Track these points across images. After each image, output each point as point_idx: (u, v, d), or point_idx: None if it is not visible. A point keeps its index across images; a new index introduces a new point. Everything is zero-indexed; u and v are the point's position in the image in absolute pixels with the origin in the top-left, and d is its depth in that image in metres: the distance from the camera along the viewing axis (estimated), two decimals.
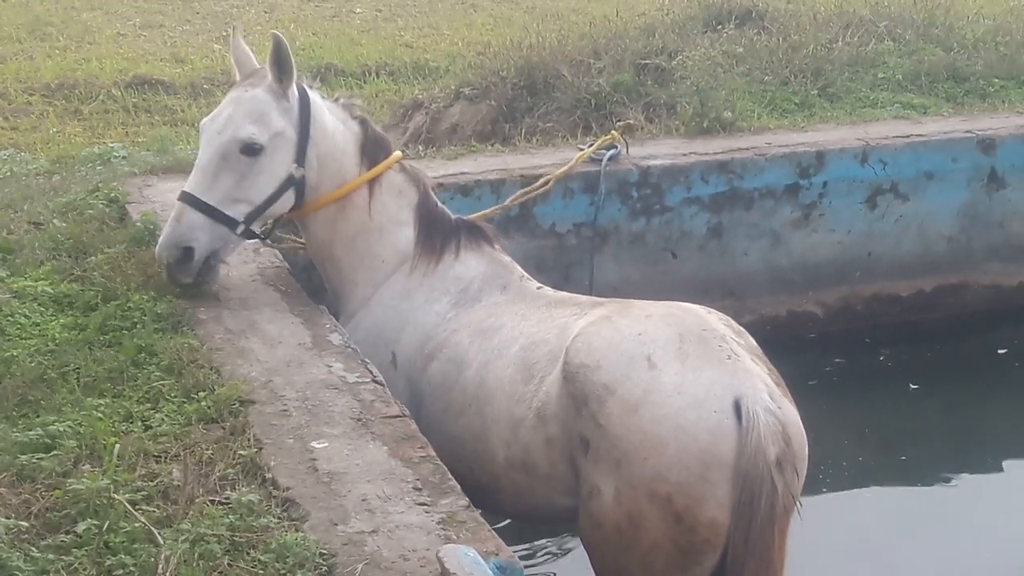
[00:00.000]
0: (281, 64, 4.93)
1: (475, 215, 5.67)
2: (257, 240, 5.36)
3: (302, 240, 5.50)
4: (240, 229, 4.98)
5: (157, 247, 4.99)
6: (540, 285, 5.00)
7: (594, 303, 4.64)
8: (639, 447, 3.99)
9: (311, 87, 5.16)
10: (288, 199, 5.04)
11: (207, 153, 4.94)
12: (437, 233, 5.12)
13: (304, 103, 5.01)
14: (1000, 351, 7.91)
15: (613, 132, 7.12)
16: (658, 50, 9.20)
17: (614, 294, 5.78)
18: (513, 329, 4.64)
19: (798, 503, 4.10)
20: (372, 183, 5.12)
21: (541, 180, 6.52)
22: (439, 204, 5.27)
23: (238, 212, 4.95)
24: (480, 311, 4.85)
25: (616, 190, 7.12)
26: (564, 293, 4.96)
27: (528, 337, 4.55)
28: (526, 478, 4.45)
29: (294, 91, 5.00)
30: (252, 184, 4.94)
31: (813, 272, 7.73)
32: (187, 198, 4.92)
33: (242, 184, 4.93)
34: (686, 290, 6.76)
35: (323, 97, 5.19)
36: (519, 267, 5.13)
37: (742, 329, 4.34)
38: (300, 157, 4.99)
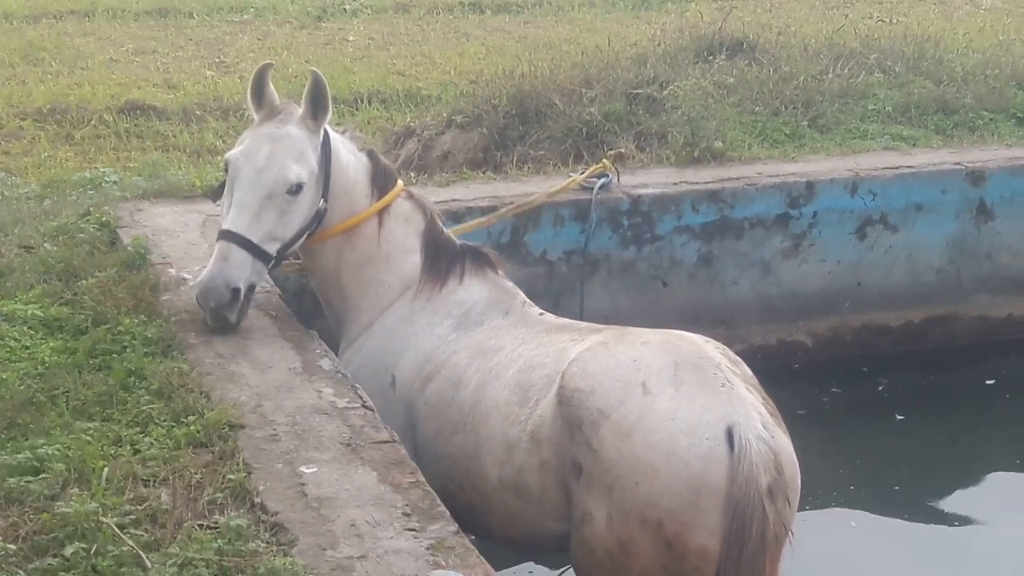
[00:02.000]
0: (318, 101, 4.94)
1: (462, 226, 5.80)
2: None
3: (298, 261, 5.48)
4: (272, 264, 4.98)
5: (201, 288, 4.86)
6: (542, 311, 5.02)
7: (593, 329, 4.65)
8: (631, 472, 3.99)
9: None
10: (308, 231, 5.06)
11: (251, 192, 4.86)
12: (443, 259, 5.15)
13: (326, 139, 5.03)
14: (988, 382, 7.92)
15: (604, 161, 7.15)
16: (649, 80, 9.23)
17: (604, 322, 5.76)
18: (512, 352, 4.65)
19: (790, 533, 4.10)
20: (381, 213, 5.15)
21: (531, 197, 6.60)
22: (444, 230, 5.29)
23: (273, 248, 4.93)
24: (481, 333, 4.86)
25: (607, 218, 7.14)
26: (565, 319, 4.98)
27: (526, 360, 4.56)
28: (517, 500, 4.44)
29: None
30: (290, 221, 4.94)
31: (803, 302, 7.76)
32: (233, 237, 4.84)
33: (282, 221, 4.92)
34: (676, 319, 6.77)
35: (333, 130, 5.20)
36: (521, 293, 5.15)
37: (738, 358, 4.36)
38: (326, 192, 5.02)
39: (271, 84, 5.09)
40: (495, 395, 4.54)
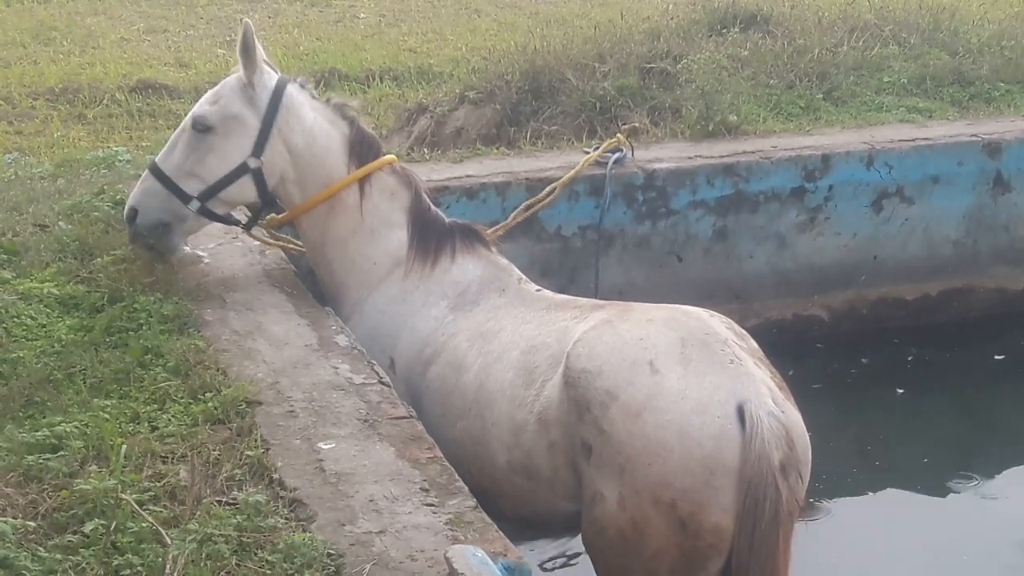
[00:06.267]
0: (244, 52, 5.02)
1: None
2: (241, 228, 5.53)
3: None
4: (194, 205, 5.11)
5: None
6: (539, 288, 4.97)
7: (594, 306, 4.59)
8: (642, 453, 3.96)
9: (303, 86, 5.20)
10: (245, 188, 5.12)
11: (178, 127, 5.20)
12: (431, 236, 5.11)
13: (276, 97, 5.05)
14: (997, 356, 7.87)
15: (618, 135, 7.11)
16: (663, 54, 9.19)
17: (619, 297, 5.77)
18: (513, 333, 4.61)
19: (802, 507, 4.08)
20: (363, 183, 5.14)
21: (546, 190, 6.51)
22: (432, 207, 5.25)
23: (191, 187, 5.08)
24: (479, 315, 4.82)
25: (621, 193, 7.11)
26: (564, 296, 4.93)
27: (528, 341, 4.51)
28: (528, 482, 4.42)
29: (264, 81, 5.06)
30: (202, 161, 5.07)
31: (819, 275, 7.72)
32: (150, 164, 5.21)
33: (191, 158, 5.07)
34: (692, 293, 6.76)
35: (313, 97, 5.21)
36: (517, 269, 5.10)
37: (744, 332, 4.31)
38: (258, 148, 5.05)
39: (257, 43, 5.11)
40: (499, 378, 4.50)
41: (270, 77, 5.10)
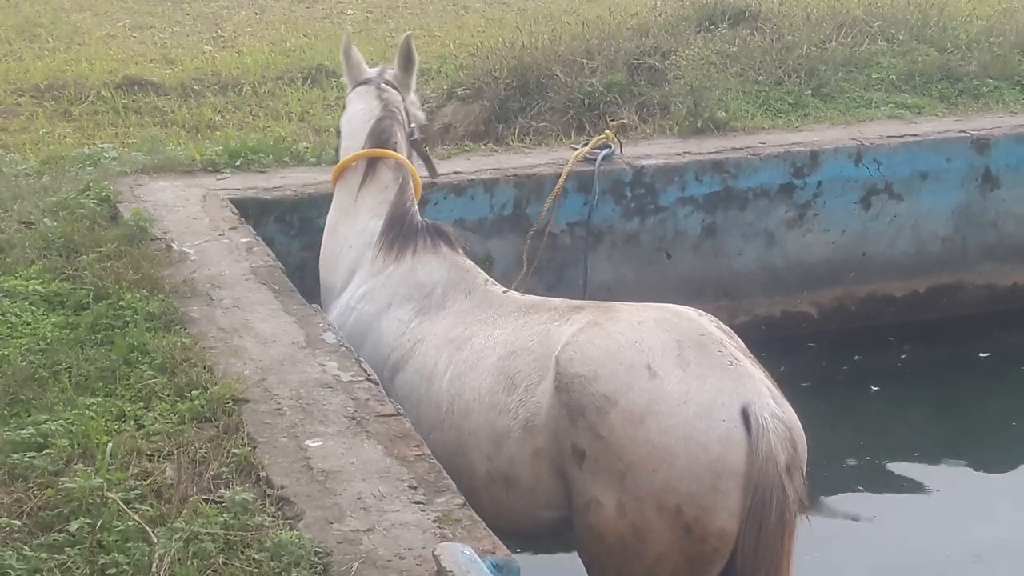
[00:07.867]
0: (343, 57, 5.72)
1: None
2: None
3: None
4: None
5: None
6: (505, 289, 4.90)
7: (571, 307, 4.47)
8: (646, 459, 3.90)
9: (379, 85, 5.54)
10: None
11: None
12: (397, 229, 5.17)
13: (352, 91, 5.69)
14: (983, 354, 7.87)
15: (607, 132, 7.11)
16: (651, 50, 9.19)
17: (608, 294, 5.76)
18: (486, 338, 4.52)
19: (804, 505, 4.05)
20: (367, 171, 5.35)
21: (546, 205, 6.68)
22: (408, 203, 5.27)
23: None
24: (446, 319, 4.74)
25: (610, 190, 7.11)
26: (532, 297, 4.84)
27: (506, 346, 4.42)
28: (507, 492, 4.34)
29: (355, 79, 5.68)
30: None
31: (808, 272, 7.72)
32: None
33: None
34: (680, 290, 6.76)
35: (379, 98, 5.52)
36: (482, 271, 5.04)
37: (731, 331, 4.27)
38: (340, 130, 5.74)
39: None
40: (476, 387, 4.41)
41: (362, 76, 5.64)
